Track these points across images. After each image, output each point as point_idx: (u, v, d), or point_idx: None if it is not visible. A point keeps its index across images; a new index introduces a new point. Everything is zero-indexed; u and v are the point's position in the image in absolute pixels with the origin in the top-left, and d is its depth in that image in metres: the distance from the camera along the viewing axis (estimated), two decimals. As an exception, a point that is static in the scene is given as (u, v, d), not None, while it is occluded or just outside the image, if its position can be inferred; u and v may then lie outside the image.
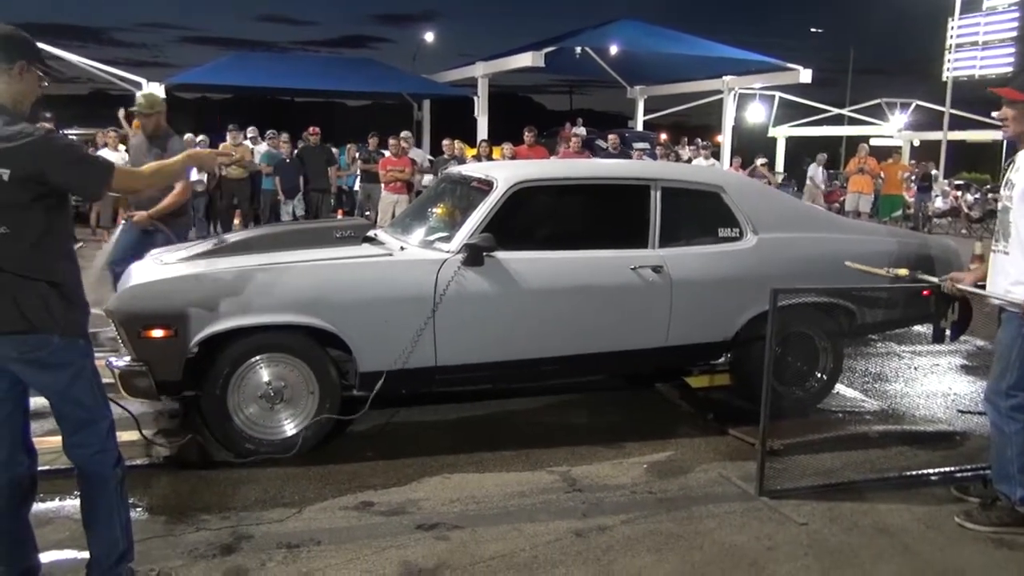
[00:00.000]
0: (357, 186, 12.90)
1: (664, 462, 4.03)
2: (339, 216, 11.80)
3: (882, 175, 14.99)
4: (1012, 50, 23.43)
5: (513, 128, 12.78)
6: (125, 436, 3.64)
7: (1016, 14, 23.43)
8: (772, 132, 27.97)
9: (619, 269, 4.30)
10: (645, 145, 17.31)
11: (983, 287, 3.53)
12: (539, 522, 3.33)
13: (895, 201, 15.68)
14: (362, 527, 3.27)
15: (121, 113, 11.10)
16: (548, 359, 4.31)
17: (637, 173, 4.79)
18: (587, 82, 62.90)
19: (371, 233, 4.60)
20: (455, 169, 5.30)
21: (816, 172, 15.90)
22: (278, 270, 3.89)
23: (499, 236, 4.02)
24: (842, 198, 15.82)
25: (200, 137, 11.78)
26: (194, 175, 9.32)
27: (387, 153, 11.56)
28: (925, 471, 3.93)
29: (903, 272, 4.09)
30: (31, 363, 2.41)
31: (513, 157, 10.96)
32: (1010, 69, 22.61)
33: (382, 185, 11.25)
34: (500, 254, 4.06)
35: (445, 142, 12.28)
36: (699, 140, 16.37)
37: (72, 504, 3.17)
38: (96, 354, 2.61)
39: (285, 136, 12.03)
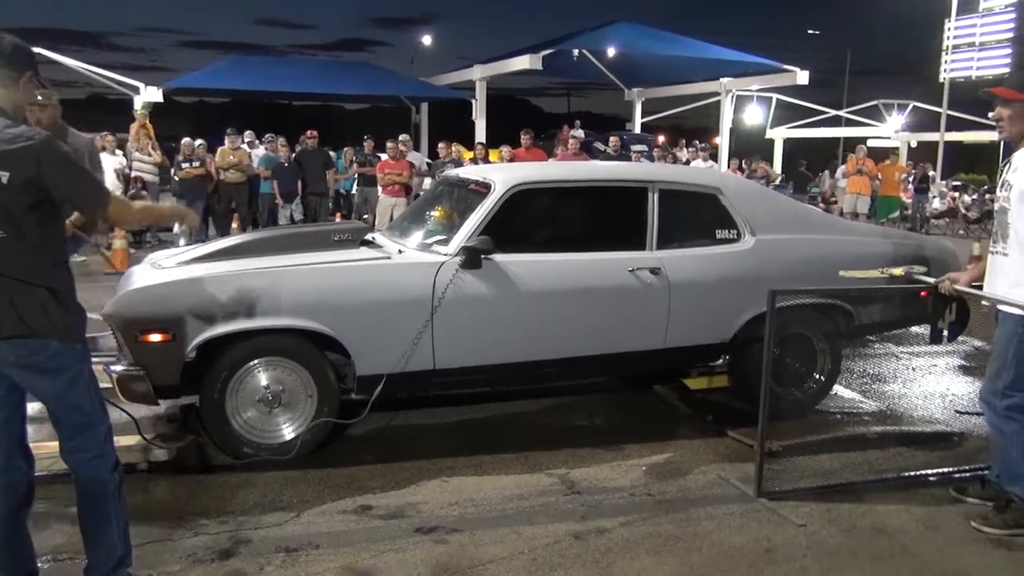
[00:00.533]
0: (354, 190, 12.91)
1: (663, 464, 4.03)
2: (337, 219, 11.80)
3: (879, 176, 15.02)
4: (1009, 51, 23.52)
5: (511, 131, 12.79)
6: (124, 440, 3.64)
7: (1013, 15, 23.54)
8: (770, 134, 28.00)
9: (617, 271, 4.30)
10: (643, 147, 17.35)
11: (980, 287, 3.53)
12: (538, 525, 3.33)
13: (893, 202, 15.71)
14: (360, 531, 3.27)
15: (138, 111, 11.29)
16: (546, 361, 4.31)
17: (635, 175, 4.79)
18: (585, 84, 63.02)
19: (369, 236, 4.60)
20: (453, 172, 5.31)
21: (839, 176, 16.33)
22: (276, 274, 3.89)
23: (497, 239, 4.02)
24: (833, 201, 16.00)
25: (199, 141, 11.77)
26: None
27: (384, 156, 11.57)
28: (923, 472, 3.92)
29: (899, 272, 4.09)
30: (29, 368, 2.41)
31: (512, 160, 10.98)
32: (1007, 70, 22.67)
33: (379, 188, 11.26)
34: (498, 257, 4.06)
35: (441, 145, 12.29)
36: (697, 142, 16.39)
37: (70, 509, 3.15)
38: (97, 359, 2.61)
39: (283, 140, 12.03)
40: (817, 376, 4.82)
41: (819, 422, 4.64)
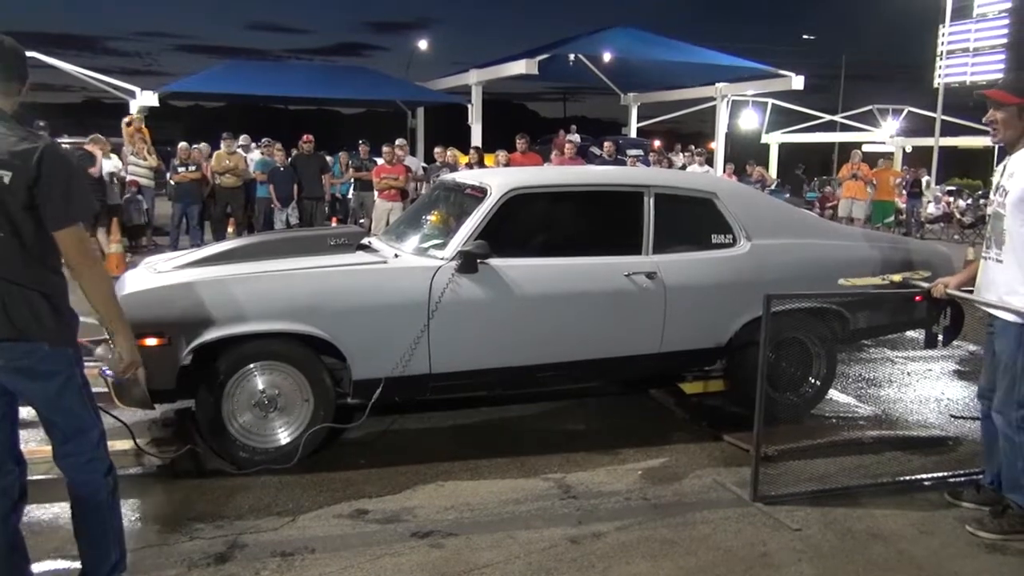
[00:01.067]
0: (350, 194, 12.91)
1: (658, 468, 4.03)
2: (333, 224, 11.80)
3: (874, 181, 15.07)
4: (1002, 57, 23.57)
5: (507, 135, 12.81)
6: (118, 445, 3.64)
7: (1006, 21, 23.60)
8: (765, 139, 28.08)
9: (613, 276, 4.31)
10: (639, 152, 17.38)
11: (971, 290, 3.53)
12: (534, 529, 3.33)
13: (887, 207, 15.74)
14: (356, 535, 3.26)
15: (128, 119, 11.15)
16: (542, 366, 4.31)
17: (630, 180, 4.80)
18: (581, 89, 62.95)
19: (365, 241, 4.60)
20: (449, 176, 5.31)
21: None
22: (272, 278, 3.88)
23: (493, 243, 4.03)
24: (833, 203, 15.98)
25: (202, 144, 11.76)
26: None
27: (380, 160, 11.57)
28: (918, 476, 3.93)
29: (898, 278, 4.11)
30: (19, 371, 2.40)
31: (508, 164, 10.99)
32: (1001, 76, 22.74)
33: (375, 193, 11.25)
34: (494, 261, 4.06)
35: (437, 149, 12.30)
36: (693, 147, 16.43)
37: (64, 514, 3.15)
38: (89, 364, 2.59)
39: (279, 144, 12.03)
40: (813, 380, 4.82)
41: (815, 426, 4.65)
